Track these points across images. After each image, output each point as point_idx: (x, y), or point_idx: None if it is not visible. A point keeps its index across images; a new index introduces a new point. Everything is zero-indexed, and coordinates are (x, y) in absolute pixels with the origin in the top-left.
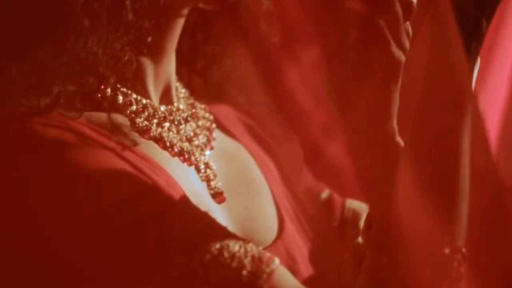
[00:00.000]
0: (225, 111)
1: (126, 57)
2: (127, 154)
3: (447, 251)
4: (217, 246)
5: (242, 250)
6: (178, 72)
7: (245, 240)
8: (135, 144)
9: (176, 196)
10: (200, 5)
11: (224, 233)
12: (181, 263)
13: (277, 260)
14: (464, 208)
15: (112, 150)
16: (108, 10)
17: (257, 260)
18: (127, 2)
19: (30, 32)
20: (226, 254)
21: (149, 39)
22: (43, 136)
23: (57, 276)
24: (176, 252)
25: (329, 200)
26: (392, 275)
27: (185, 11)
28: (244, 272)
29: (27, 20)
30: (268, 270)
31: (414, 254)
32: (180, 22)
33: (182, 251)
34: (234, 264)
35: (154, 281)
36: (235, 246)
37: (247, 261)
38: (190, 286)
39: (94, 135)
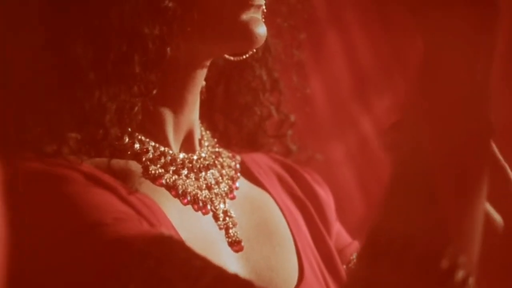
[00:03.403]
0: (258, 159)
1: (136, 108)
2: (123, 192)
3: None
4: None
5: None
6: (213, 120)
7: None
8: (136, 190)
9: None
10: (226, 56)
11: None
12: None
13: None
14: (479, 222)
15: (108, 186)
16: (114, 63)
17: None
18: (136, 57)
19: (42, 84)
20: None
21: (154, 92)
22: (34, 170)
23: None
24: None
25: None
26: None
27: (206, 63)
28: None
29: (40, 72)
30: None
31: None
32: (201, 74)
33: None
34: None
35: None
36: None
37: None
38: None
39: (93, 174)
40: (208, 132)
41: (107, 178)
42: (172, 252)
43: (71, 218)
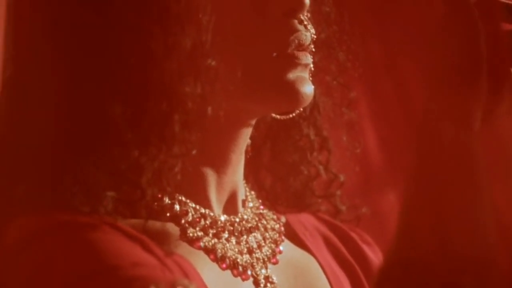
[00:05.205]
0: (304, 220)
1: (175, 169)
2: (158, 252)
3: None
4: None
5: None
6: (259, 179)
7: None
8: (171, 253)
9: None
10: (273, 115)
11: None
12: None
13: None
14: None
15: (141, 243)
16: (153, 123)
17: None
18: (175, 116)
19: (78, 142)
20: None
21: (194, 152)
22: (63, 221)
23: None
24: None
25: None
26: None
27: (251, 122)
28: None
29: (77, 130)
30: None
31: None
32: (245, 133)
33: None
34: None
35: None
36: None
37: None
38: None
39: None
40: (252, 192)
41: (143, 238)
42: None
43: (89, 260)
